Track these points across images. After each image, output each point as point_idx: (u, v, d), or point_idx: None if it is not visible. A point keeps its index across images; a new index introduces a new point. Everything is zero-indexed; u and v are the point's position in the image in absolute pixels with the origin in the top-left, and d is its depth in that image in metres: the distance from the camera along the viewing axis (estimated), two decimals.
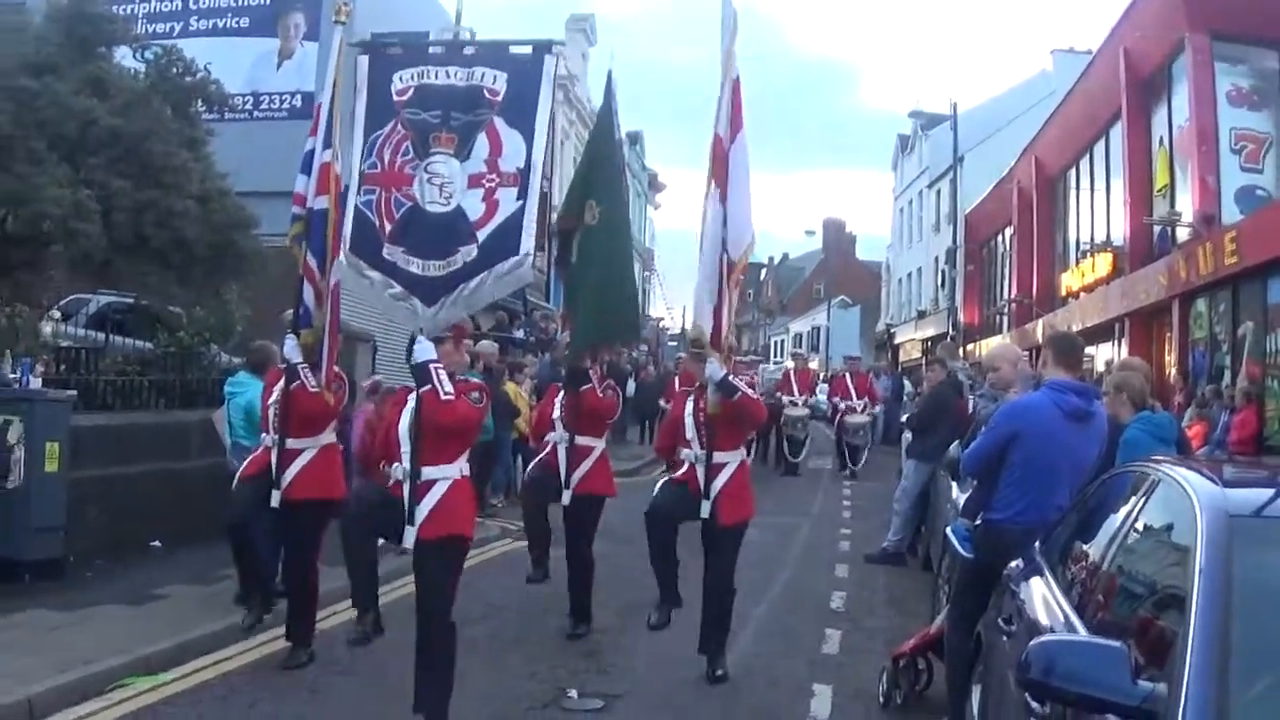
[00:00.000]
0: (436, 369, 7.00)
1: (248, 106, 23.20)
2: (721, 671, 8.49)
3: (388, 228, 7.61)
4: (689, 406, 8.77)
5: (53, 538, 10.67)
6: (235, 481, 9.11)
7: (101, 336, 14.73)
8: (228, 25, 25.80)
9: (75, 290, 16.81)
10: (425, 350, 7.08)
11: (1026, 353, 10.44)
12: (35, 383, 11.41)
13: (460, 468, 7.21)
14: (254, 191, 14.54)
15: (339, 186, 8.16)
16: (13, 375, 11.52)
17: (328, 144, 8.39)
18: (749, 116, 8.59)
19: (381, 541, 7.71)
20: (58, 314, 15.70)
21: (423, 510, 6.98)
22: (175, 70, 14.52)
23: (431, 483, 7.04)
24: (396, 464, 7.17)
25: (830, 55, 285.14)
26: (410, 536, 6.97)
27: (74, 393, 11.58)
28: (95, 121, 12.56)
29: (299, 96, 23.96)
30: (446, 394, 6.93)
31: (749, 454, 22.54)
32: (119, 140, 12.75)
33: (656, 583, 8.93)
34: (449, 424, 6.99)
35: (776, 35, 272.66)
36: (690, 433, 8.69)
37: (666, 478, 9.01)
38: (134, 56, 14.86)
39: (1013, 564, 6.23)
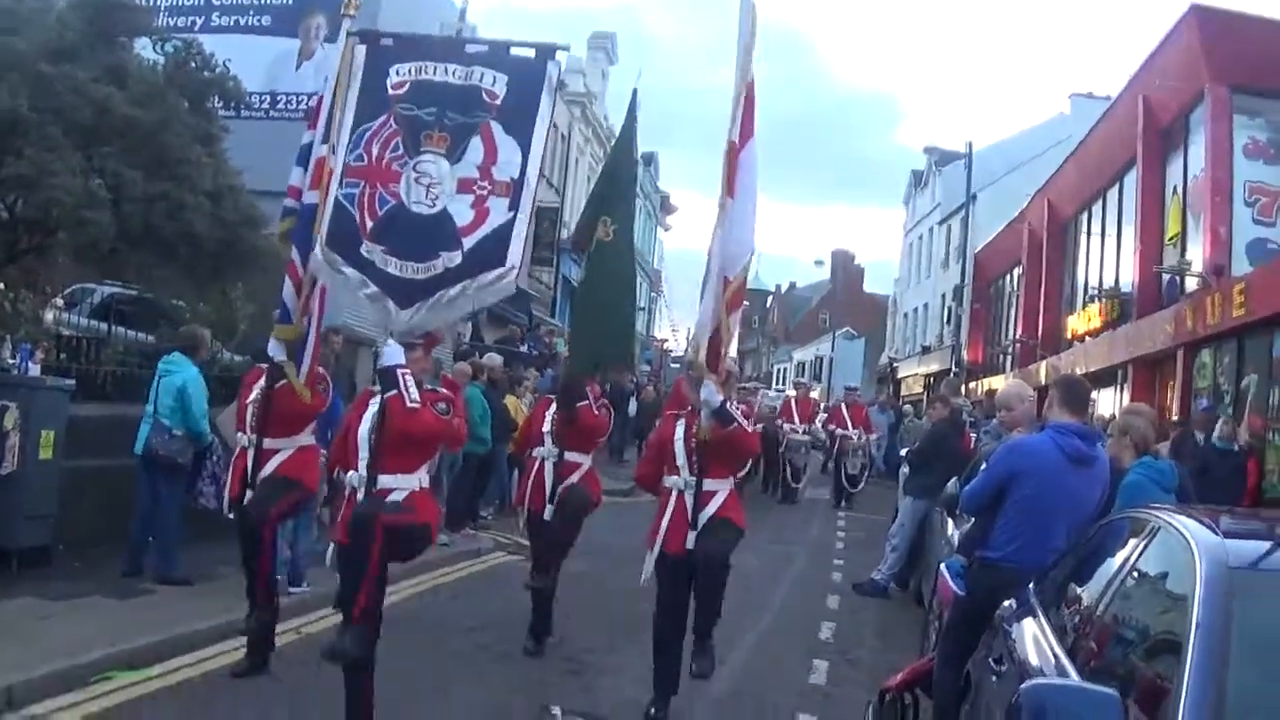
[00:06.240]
0: (404, 375, 6.85)
1: (264, 105, 23.26)
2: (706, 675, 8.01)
3: (369, 224, 7.37)
4: (679, 431, 8.13)
5: (42, 525, 10.58)
6: (227, 502, 8.78)
7: (104, 326, 14.71)
8: (249, 23, 25.80)
9: (81, 279, 16.83)
10: (394, 354, 6.93)
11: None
12: (34, 369, 11.38)
13: (420, 479, 7.04)
14: (266, 190, 14.49)
15: (330, 181, 8.04)
16: (11, 361, 11.48)
17: (325, 138, 8.21)
18: (770, 139, 8.28)
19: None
20: (60, 301, 15.70)
21: None
22: (194, 64, 14.53)
23: (388, 491, 6.86)
24: (352, 472, 7.00)
25: (859, 90, 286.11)
26: None
27: (73, 382, 11.51)
28: (111, 110, 12.55)
29: (316, 98, 23.94)
30: (413, 401, 6.76)
31: (751, 480, 22.81)
32: (134, 130, 12.75)
33: (654, 675, 8.14)
34: (413, 433, 6.82)
35: (807, 64, 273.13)
36: (680, 459, 8.09)
37: (653, 555, 8.06)
38: (154, 48, 14.86)
39: (1006, 604, 6.19)
